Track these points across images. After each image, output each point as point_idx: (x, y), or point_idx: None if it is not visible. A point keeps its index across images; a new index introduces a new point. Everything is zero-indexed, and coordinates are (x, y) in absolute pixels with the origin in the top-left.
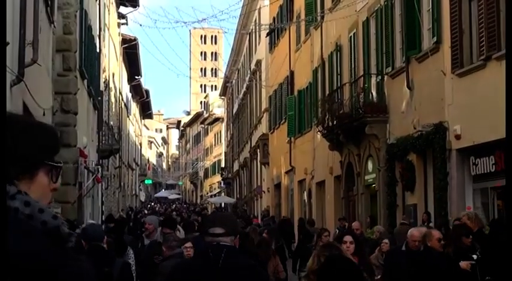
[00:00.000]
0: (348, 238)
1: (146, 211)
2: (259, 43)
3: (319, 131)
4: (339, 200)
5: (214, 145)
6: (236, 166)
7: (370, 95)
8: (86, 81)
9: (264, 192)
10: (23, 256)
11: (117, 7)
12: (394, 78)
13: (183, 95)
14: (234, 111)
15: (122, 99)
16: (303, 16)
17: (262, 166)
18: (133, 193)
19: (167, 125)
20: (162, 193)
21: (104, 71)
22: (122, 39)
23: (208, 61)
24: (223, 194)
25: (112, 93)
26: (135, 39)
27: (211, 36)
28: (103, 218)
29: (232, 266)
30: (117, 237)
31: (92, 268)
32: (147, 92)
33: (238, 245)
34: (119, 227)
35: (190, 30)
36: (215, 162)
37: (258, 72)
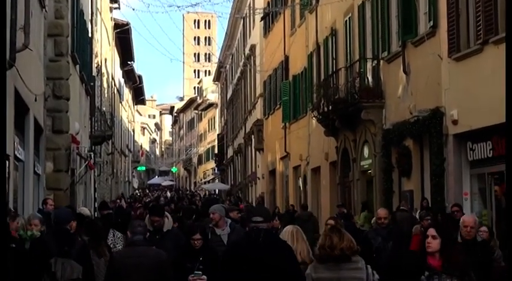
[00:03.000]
0: (430, 232)
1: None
2: (253, 28)
3: (314, 116)
4: (335, 186)
5: (208, 130)
6: (230, 152)
7: (366, 80)
8: (78, 66)
9: (259, 178)
10: None
11: None
12: (390, 63)
13: (176, 81)
14: (228, 97)
15: (115, 85)
16: (297, 0)
17: (257, 152)
18: (126, 179)
19: (160, 111)
20: (155, 180)
21: (96, 56)
22: (114, 24)
23: (201, 46)
24: (217, 180)
25: (104, 79)
26: (127, 24)
27: (205, 21)
28: (96, 205)
29: (268, 243)
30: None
31: None
32: (139, 77)
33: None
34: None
35: (183, 15)
36: (209, 148)
37: (252, 57)
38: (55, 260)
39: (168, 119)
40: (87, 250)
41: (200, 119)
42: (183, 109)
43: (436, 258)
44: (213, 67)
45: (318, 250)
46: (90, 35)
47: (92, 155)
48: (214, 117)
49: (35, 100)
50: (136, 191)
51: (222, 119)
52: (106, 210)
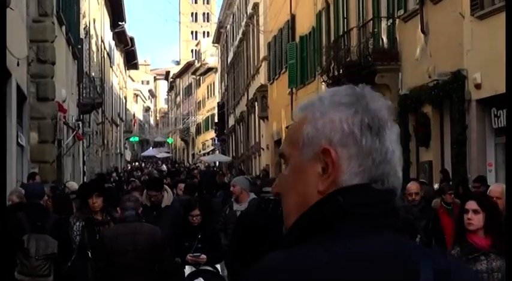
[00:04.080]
0: (470, 205)
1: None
2: None
3: (323, 81)
4: None
5: (207, 97)
6: (232, 121)
7: (380, 40)
8: (64, 27)
9: (263, 149)
10: None
11: None
12: (407, 22)
13: (172, 43)
14: (228, 61)
15: (104, 48)
16: None
17: (261, 121)
18: (118, 151)
19: (155, 77)
20: (150, 152)
21: (84, 16)
22: None
23: (199, 4)
24: (217, 152)
25: (93, 41)
26: None
27: None
28: (84, 179)
29: (276, 212)
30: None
31: None
32: (132, 39)
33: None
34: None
35: None
36: (208, 117)
37: (255, 17)
38: (28, 236)
39: (163, 85)
40: (63, 223)
41: (198, 84)
42: (180, 74)
43: (481, 236)
44: (212, 28)
45: None
46: None
47: (80, 125)
48: (213, 83)
49: (17, 65)
50: (135, 163)
51: (223, 84)
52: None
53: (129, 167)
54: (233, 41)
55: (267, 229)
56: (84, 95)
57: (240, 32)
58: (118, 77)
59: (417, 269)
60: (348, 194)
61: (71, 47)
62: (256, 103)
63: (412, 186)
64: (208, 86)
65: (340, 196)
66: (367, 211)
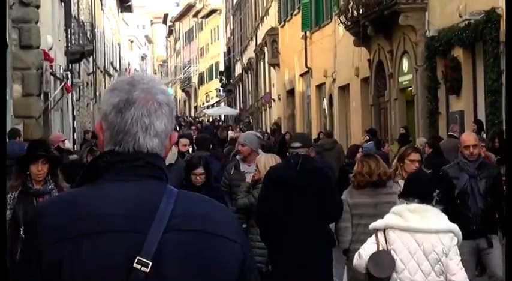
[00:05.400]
0: None
1: None
2: None
3: (341, 23)
4: (367, 107)
5: (211, 43)
6: (238, 69)
7: None
8: None
9: (274, 100)
10: None
11: None
12: None
13: None
14: (234, 1)
15: None
16: None
17: (271, 68)
18: None
19: (151, 20)
20: None
21: None
22: None
23: None
24: (222, 104)
25: None
26: None
27: None
28: (74, 137)
29: (306, 168)
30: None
31: None
32: None
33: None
34: None
35: None
36: (212, 64)
37: None
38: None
39: (161, 30)
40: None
41: (201, 28)
42: (180, 17)
43: None
44: None
45: (353, 176)
46: None
47: (69, 76)
48: (217, 27)
49: None
50: None
51: (228, 28)
52: None
53: None
54: None
55: (297, 184)
56: (72, 42)
57: None
58: (110, 22)
59: (156, 206)
60: (112, 155)
61: None
62: (265, 49)
63: (468, 137)
64: (211, 30)
65: (108, 155)
66: (124, 165)
